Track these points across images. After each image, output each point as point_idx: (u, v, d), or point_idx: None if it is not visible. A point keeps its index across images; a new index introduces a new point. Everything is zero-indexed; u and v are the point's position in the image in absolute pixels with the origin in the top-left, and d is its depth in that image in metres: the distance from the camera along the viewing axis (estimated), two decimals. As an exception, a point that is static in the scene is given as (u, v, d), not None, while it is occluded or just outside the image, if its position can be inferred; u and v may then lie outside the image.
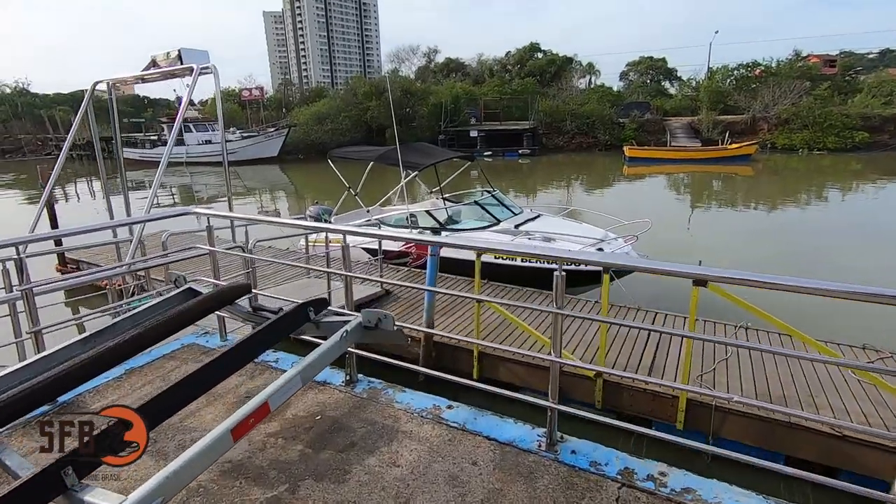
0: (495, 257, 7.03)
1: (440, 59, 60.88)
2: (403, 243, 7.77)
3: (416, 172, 7.91)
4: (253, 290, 2.69)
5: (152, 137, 37.10)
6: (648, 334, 5.11)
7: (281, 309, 2.58)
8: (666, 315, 5.75)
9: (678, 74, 56.61)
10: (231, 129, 38.90)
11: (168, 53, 4.04)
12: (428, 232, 7.58)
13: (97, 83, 4.48)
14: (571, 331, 5.44)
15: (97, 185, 27.61)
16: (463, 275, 7.16)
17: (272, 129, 34.97)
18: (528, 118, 34.58)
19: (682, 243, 10.37)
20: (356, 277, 3.69)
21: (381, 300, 6.45)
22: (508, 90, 39.98)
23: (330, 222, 8.95)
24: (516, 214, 7.98)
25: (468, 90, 39.63)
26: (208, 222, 3.38)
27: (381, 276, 6.53)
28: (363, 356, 2.92)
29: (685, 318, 5.38)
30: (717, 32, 38.11)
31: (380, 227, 6.44)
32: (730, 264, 8.79)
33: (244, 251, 4.58)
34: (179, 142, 33.63)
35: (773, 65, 35.64)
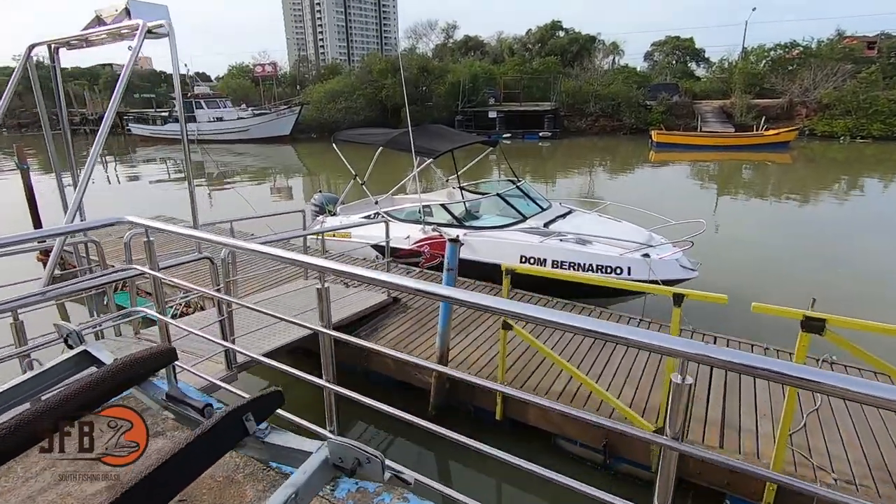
0: (522, 260, 6.08)
1: (459, 35, 58.95)
2: (415, 240, 6.84)
3: (430, 160, 6.93)
4: (176, 362, 1.78)
5: (163, 114, 36.38)
6: (725, 377, 4.10)
7: (208, 407, 1.66)
8: (740, 343, 4.77)
9: (706, 55, 54.21)
10: (242, 105, 38.03)
11: (116, 7, 3.12)
12: (440, 232, 6.63)
13: (33, 46, 3.58)
14: (615, 358, 4.50)
15: (111, 166, 27.03)
16: (483, 278, 6.23)
17: (285, 107, 33.98)
18: (550, 99, 33.03)
19: (732, 245, 9.24)
20: (355, 279, 2.78)
21: (387, 309, 5.55)
22: (529, 69, 38.31)
23: (335, 213, 8.05)
24: (544, 210, 6.98)
25: (487, 69, 38.06)
26: (147, 237, 2.48)
27: (387, 279, 5.63)
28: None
29: (766, 349, 4.40)
30: (754, 9, 35.50)
31: (387, 224, 5.48)
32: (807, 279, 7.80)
33: (214, 262, 3.68)
34: (190, 118, 32.90)
35: (814, 45, 33.44)
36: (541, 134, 30.32)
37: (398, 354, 5.30)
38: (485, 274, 6.25)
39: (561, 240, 5.97)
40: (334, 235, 7.72)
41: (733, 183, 18.28)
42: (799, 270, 8.37)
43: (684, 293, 3.04)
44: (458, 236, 3.80)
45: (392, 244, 6.69)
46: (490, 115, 32.14)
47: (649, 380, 4.16)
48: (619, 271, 5.61)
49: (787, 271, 8.27)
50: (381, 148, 7.38)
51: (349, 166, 8.00)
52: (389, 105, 33.06)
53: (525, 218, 6.61)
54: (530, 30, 54.78)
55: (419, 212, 6.94)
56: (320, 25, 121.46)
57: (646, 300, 5.70)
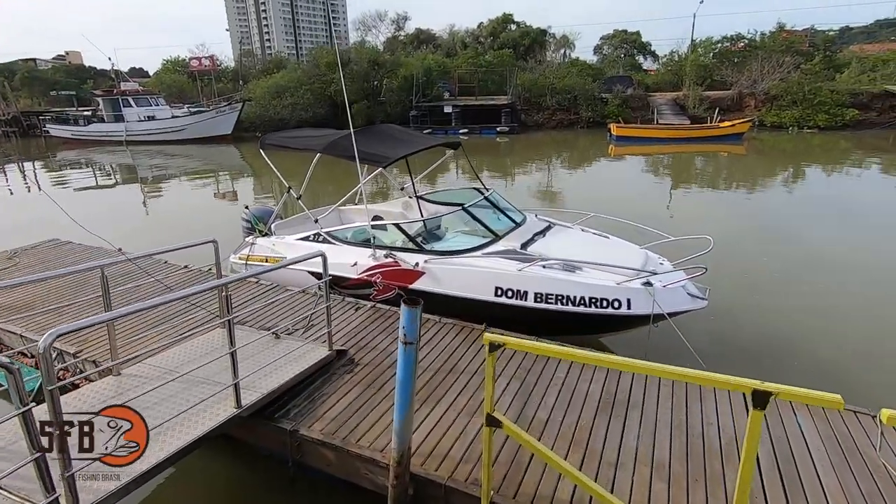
0: (498, 292, 4.94)
1: (410, 28, 57.24)
2: (364, 268, 5.57)
3: (379, 168, 5.67)
4: None
5: (86, 113, 33.00)
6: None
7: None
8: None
9: (652, 49, 55.14)
10: (181, 105, 35.16)
11: None
12: (394, 258, 5.39)
13: None
14: (631, 430, 3.43)
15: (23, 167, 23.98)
16: (451, 315, 5.06)
17: (225, 104, 31.49)
18: (506, 93, 32.18)
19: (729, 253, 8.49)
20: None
21: (329, 367, 4.28)
22: (483, 63, 37.34)
23: (267, 232, 6.66)
24: (519, 225, 5.86)
25: (441, 62, 36.77)
26: None
27: (328, 324, 4.34)
28: None
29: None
30: (702, 2, 35.91)
31: (324, 258, 4.20)
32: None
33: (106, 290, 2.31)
34: (118, 118, 29.96)
35: (757, 38, 34.18)
36: (498, 129, 29.42)
37: (339, 445, 3.70)
38: (453, 309, 5.09)
39: (544, 266, 4.87)
40: (267, 260, 6.35)
41: (703, 177, 17.93)
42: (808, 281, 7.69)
43: (774, 391, 1.97)
44: (418, 299, 2.57)
45: (336, 272, 5.44)
46: (446, 110, 30.95)
47: (682, 464, 3.12)
48: (616, 304, 4.58)
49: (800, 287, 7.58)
50: (318, 155, 6.04)
51: (282, 177, 6.61)
52: (339, 100, 31.21)
53: (498, 237, 5.47)
54: (482, 23, 53.83)
55: (368, 234, 5.67)
56: (265, 18, 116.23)
57: (650, 333, 4.72)
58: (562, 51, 47.42)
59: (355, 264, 5.61)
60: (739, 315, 6.28)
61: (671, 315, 4.56)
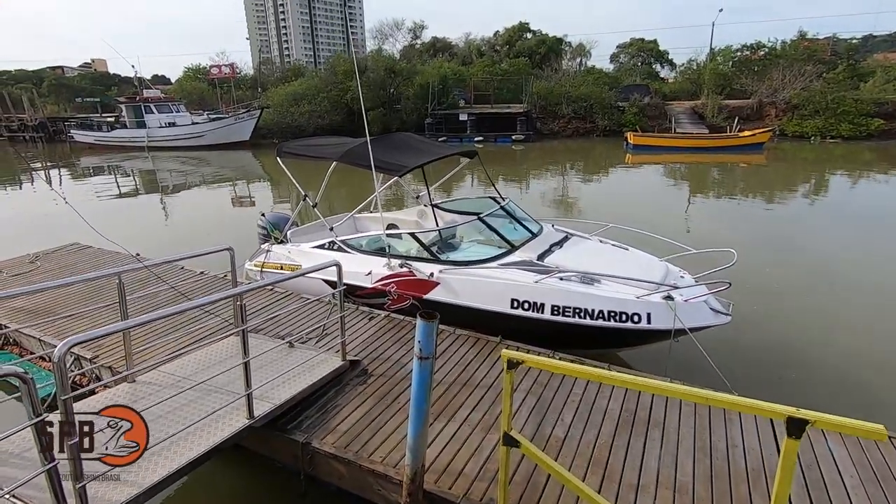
0: (514, 304, 4.86)
1: (426, 37, 57.68)
2: (379, 278, 5.54)
3: (396, 177, 5.64)
4: None
5: (109, 119, 33.80)
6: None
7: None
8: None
9: (669, 57, 54.79)
10: (200, 111, 35.85)
11: None
12: (409, 267, 5.34)
13: None
14: (652, 451, 3.32)
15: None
16: (466, 326, 4.99)
17: (243, 111, 31.99)
18: (521, 101, 32.15)
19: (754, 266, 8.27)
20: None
21: (342, 378, 4.23)
22: (499, 71, 37.45)
23: (283, 239, 6.67)
24: (535, 236, 5.77)
25: (457, 70, 36.95)
26: None
27: (342, 334, 4.29)
28: None
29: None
30: (721, 10, 35.63)
31: (339, 267, 4.16)
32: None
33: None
34: (140, 124, 30.63)
35: (778, 46, 33.70)
36: (514, 137, 29.37)
37: (352, 459, 3.65)
38: (468, 321, 5.02)
39: (561, 278, 4.77)
40: (282, 267, 6.36)
41: (723, 187, 17.61)
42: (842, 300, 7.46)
43: (812, 419, 1.86)
44: (435, 313, 2.52)
45: (351, 280, 5.42)
46: (461, 118, 31.00)
47: (706, 488, 2.99)
48: (636, 319, 4.46)
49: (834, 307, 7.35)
50: (334, 163, 6.04)
51: (298, 185, 6.63)
52: (356, 108, 31.49)
53: (514, 248, 5.39)
54: (498, 31, 54.13)
55: (383, 242, 5.64)
56: (284, 27, 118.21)
57: (671, 348, 4.58)
58: (578, 59, 47.33)
59: (370, 273, 5.57)
60: (764, 330, 6.09)
61: (693, 330, 4.42)
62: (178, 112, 31.93)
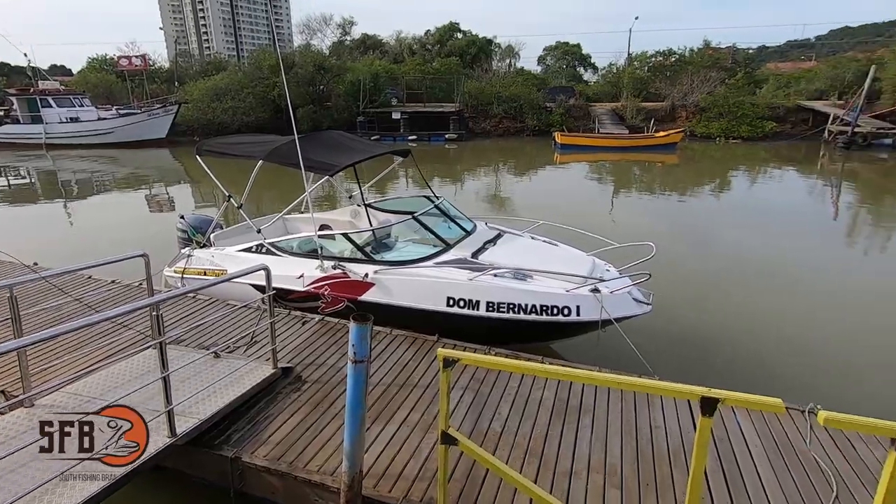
0: (450, 302, 4.89)
1: (356, 33, 56.62)
2: (311, 280, 5.36)
3: (325, 177, 5.48)
4: None
5: (-2, 113, 30.19)
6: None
7: None
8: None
9: (592, 61, 57.68)
10: (105, 105, 32.90)
11: None
12: (343, 269, 5.21)
13: None
14: (584, 435, 3.46)
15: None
16: (403, 326, 4.96)
17: (158, 107, 29.77)
18: (454, 100, 32.48)
19: (671, 259, 8.86)
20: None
21: (274, 387, 4.05)
22: (430, 70, 37.58)
23: (206, 243, 6.29)
24: (469, 234, 5.85)
25: (388, 68, 36.62)
26: None
27: (273, 341, 4.10)
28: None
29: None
30: (637, 18, 38.20)
31: (267, 271, 3.98)
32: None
33: None
34: (36, 119, 27.65)
35: (686, 53, 36.47)
36: (447, 136, 29.59)
37: (286, 470, 3.56)
38: (404, 321, 4.98)
39: (495, 275, 4.87)
40: (205, 273, 5.99)
41: (644, 183, 18.78)
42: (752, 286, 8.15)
43: (721, 397, 2.02)
44: (368, 315, 2.47)
45: (281, 284, 5.21)
46: (394, 117, 30.76)
47: (633, 469, 3.17)
48: (566, 311, 4.64)
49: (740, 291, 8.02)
50: (261, 162, 5.77)
51: (221, 186, 6.27)
52: (284, 105, 30.31)
53: (449, 246, 5.43)
54: (429, 30, 54.24)
55: (315, 244, 5.46)
56: (203, 17, 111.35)
57: (599, 338, 4.82)
58: (507, 60, 48.54)
59: (302, 276, 5.38)
60: (681, 317, 6.57)
61: (618, 320, 4.67)
62: (82, 106, 29.13)
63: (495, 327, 4.80)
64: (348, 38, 54.93)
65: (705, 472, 3.16)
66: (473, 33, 50.31)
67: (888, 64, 28.51)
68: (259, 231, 5.86)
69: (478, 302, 4.76)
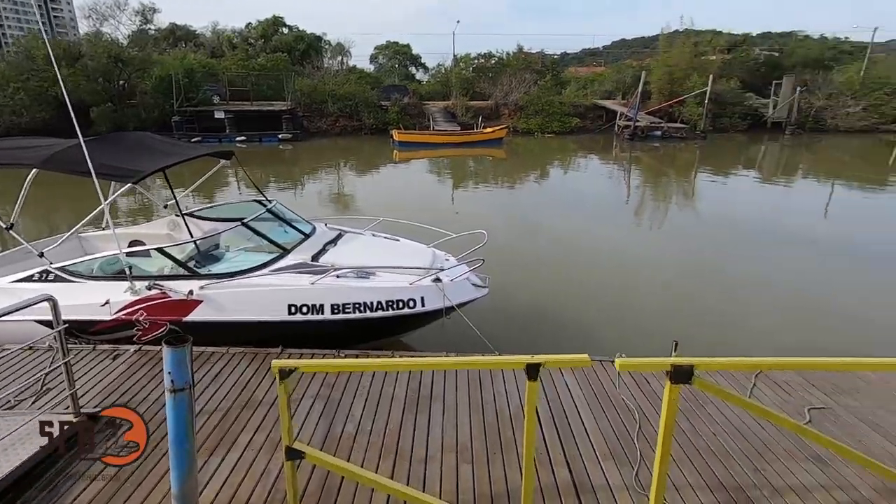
0: (292, 310, 4.63)
1: (161, 21, 49.94)
2: (121, 306, 4.59)
3: (127, 185, 4.73)
4: None
5: None
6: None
7: None
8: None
9: (422, 61, 59.95)
10: None
11: None
12: (161, 288, 4.58)
13: None
14: (435, 421, 3.58)
15: None
16: (238, 342, 4.55)
17: None
18: (285, 98, 30.82)
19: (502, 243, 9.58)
20: None
21: (77, 439, 3.37)
22: (255, 66, 35.07)
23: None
24: (308, 236, 5.61)
25: (206, 63, 33.15)
26: None
27: (70, 385, 3.41)
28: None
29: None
30: (458, 22, 40.53)
31: (54, 304, 3.29)
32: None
33: None
34: None
35: (505, 56, 40.14)
36: (280, 136, 28.00)
37: None
38: (243, 336, 4.58)
39: (338, 276, 4.75)
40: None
41: (478, 176, 20.13)
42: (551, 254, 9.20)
43: (541, 361, 2.25)
44: (186, 336, 2.20)
45: (80, 315, 4.41)
46: (217, 116, 28.02)
47: (481, 442, 3.38)
48: (412, 304, 4.75)
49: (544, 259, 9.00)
50: (35, 171, 4.73)
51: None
52: (73, 101, 25.39)
53: (286, 251, 5.12)
54: (250, 23, 50.45)
55: (122, 263, 4.68)
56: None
57: (443, 325, 5.04)
58: (339, 58, 47.70)
59: (107, 303, 4.58)
60: (515, 295, 7.23)
61: (460, 306, 4.94)
62: None
63: (343, 328, 4.69)
64: (152, 28, 48.29)
65: (543, 431, 3.53)
66: (301, 28, 48.37)
67: (653, 70, 35.06)
68: (41, 255, 4.81)
69: (322, 306, 4.59)
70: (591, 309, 7.05)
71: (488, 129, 28.40)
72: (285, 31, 48.11)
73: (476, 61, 39.67)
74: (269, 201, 5.99)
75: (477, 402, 3.87)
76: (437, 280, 4.92)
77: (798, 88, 32.41)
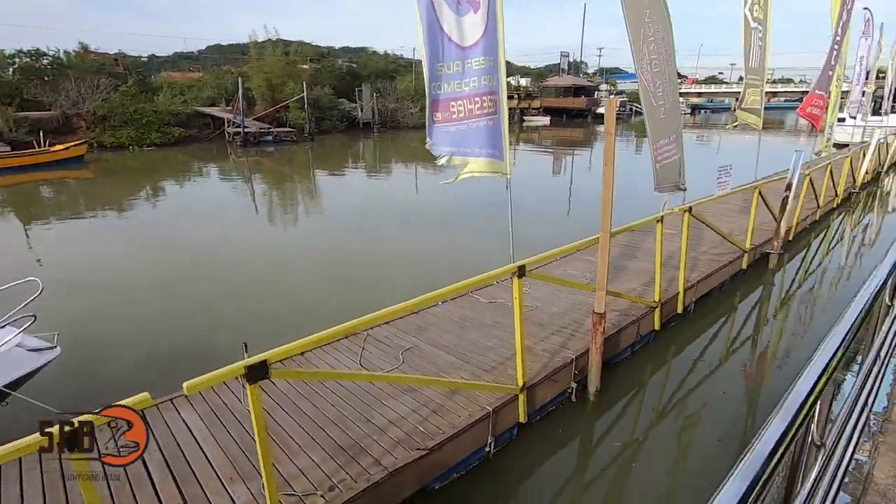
0: None
1: None
2: None
3: None
4: None
5: None
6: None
7: None
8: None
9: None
10: None
11: None
12: None
13: None
14: None
15: None
16: None
17: None
18: None
19: (75, 288, 7.44)
20: None
21: None
22: None
23: None
24: None
25: None
26: None
27: None
28: None
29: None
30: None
31: None
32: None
33: None
34: None
35: (63, 56, 32.26)
36: None
37: None
38: None
39: None
40: None
41: (61, 206, 15.48)
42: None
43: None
44: None
45: None
46: None
47: None
48: None
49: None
50: None
51: None
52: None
53: None
54: None
55: None
56: None
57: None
58: None
59: None
60: (103, 336, 5.95)
61: (19, 383, 3.69)
62: None
63: None
64: None
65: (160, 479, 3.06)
66: None
67: (252, 77, 35.35)
68: None
69: None
70: (183, 328, 6.47)
71: (59, 147, 22.41)
72: None
73: (15, 60, 30.42)
74: None
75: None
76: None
77: (374, 94, 39.25)
